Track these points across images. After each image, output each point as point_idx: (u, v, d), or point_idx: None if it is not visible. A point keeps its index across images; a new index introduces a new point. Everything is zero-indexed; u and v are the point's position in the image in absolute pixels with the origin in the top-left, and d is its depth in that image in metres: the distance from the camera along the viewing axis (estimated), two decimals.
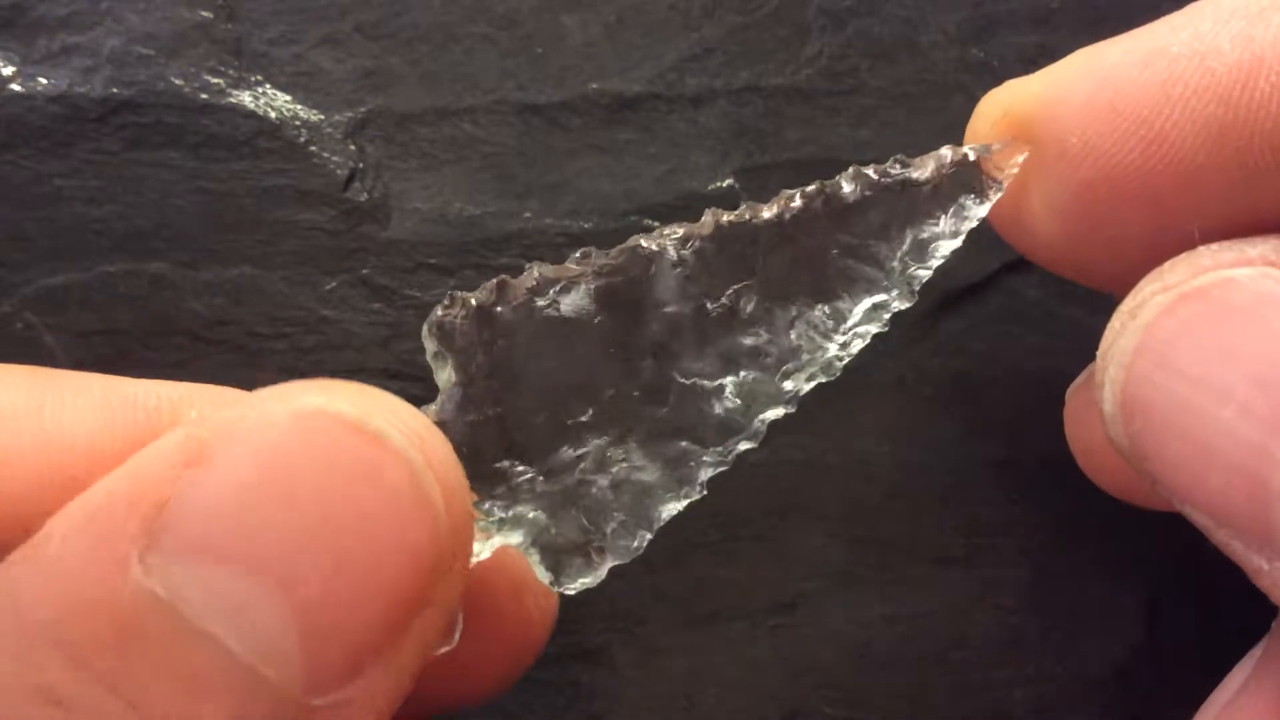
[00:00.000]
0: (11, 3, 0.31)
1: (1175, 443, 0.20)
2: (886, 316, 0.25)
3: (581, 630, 0.32)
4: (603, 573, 0.24)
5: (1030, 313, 0.33)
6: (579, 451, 0.24)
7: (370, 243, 0.32)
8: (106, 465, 0.20)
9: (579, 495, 0.24)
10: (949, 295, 0.32)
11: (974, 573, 0.33)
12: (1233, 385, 0.19)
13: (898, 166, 0.24)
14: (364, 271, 0.32)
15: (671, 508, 0.24)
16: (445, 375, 0.23)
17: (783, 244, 0.24)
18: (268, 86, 0.31)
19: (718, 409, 0.24)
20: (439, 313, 0.23)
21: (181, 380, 0.28)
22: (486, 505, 0.24)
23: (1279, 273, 0.20)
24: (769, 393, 0.24)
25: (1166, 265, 0.21)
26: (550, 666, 0.31)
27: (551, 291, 0.24)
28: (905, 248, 0.24)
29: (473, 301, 0.23)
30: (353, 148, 0.32)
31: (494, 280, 0.24)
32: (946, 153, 0.24)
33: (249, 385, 0.23)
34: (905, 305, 0.25)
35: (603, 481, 0.24)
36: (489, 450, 0.24)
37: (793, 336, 0.24)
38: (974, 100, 0.26)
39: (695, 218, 0.24)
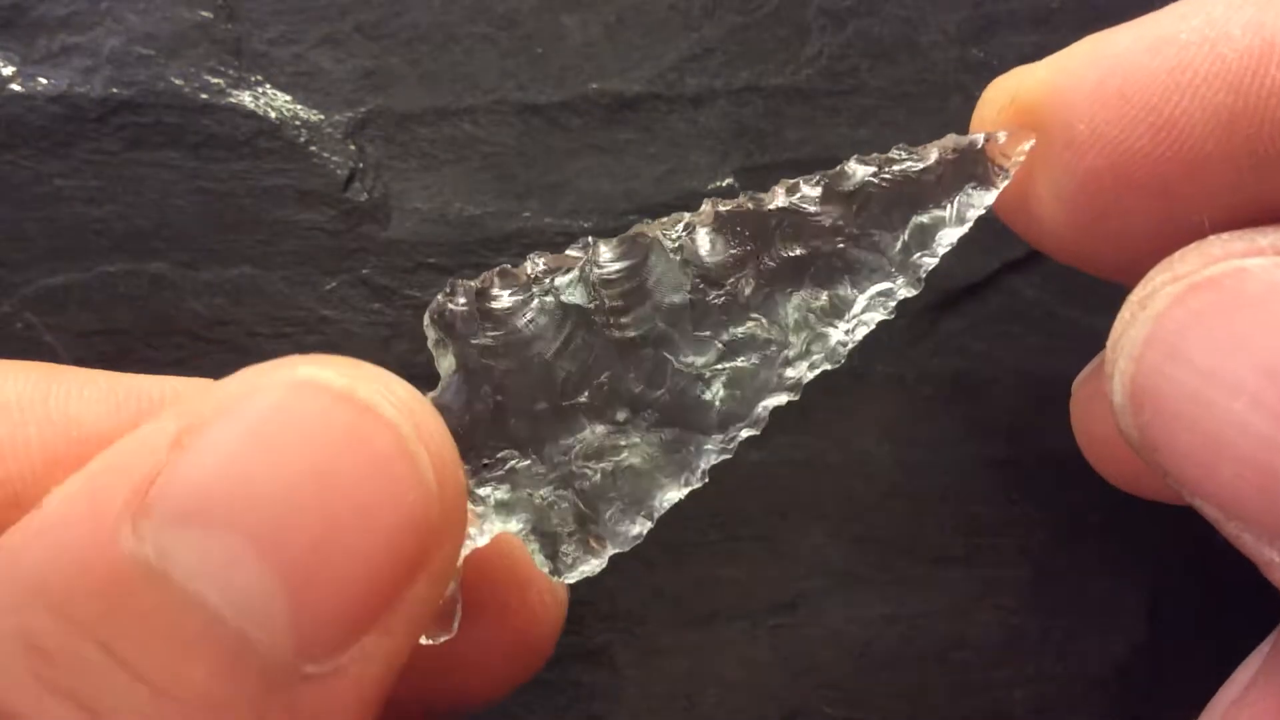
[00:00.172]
0: (11, 3, 0.31)
1: (1185, 434, 0.20)
2: (892, 304, 0.24)
3: (581, 630, 0.32)
4: (603, 561, 0.24)
5: (1030, 312, 0.33)
6: (578, 438, 0.24)
7: (370, 243, 0.32)
8: None
9: (577, 481, 0.24)
10: (949, 295, 0.32)
11: (974, 573, 0.33)
12: (1244, 377, 0.19)
13: (903, 154, 0.24)
14: (364, 271, 0.32)
15: (672, 495, 0.24)
16: (446, 363, 0.24)
17: (784, 231, 0.24)
18: (268, 86, 0.31)
19: (717, 396, 0.24)
20: (439, 301, 0.23)
21: None
22: (484, 490, 0.24)
23: None
24: (766, 379, 0.24)
25: (1177, 255, 0.21)
26: (550, 666, 0.31)
27: (551, 280, 0.24)
28: (911, 235, 0.24)
29: (473, 290, 0.23)
30: (353, 148, 0.32)
31: (494, 269, 0.24)
32: (952, 140, 0.24)
33: None
34: (912, 293, 0.24)
35: (602, 468, 0.24)
36: (488, 437, 0.24)
37: (794, 323, 0.24)
38: (974, 100, 0.26)
39: None
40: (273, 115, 0.31)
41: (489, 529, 0.24)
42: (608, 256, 0.24)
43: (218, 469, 0.19)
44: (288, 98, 0.31)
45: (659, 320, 0.24)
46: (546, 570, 0.24)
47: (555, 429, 0.24)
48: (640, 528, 0.24)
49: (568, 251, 0.24)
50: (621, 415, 0.24)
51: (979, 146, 0.24)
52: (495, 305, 0.24)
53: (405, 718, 0.26)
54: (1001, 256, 0.32)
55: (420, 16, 0.32)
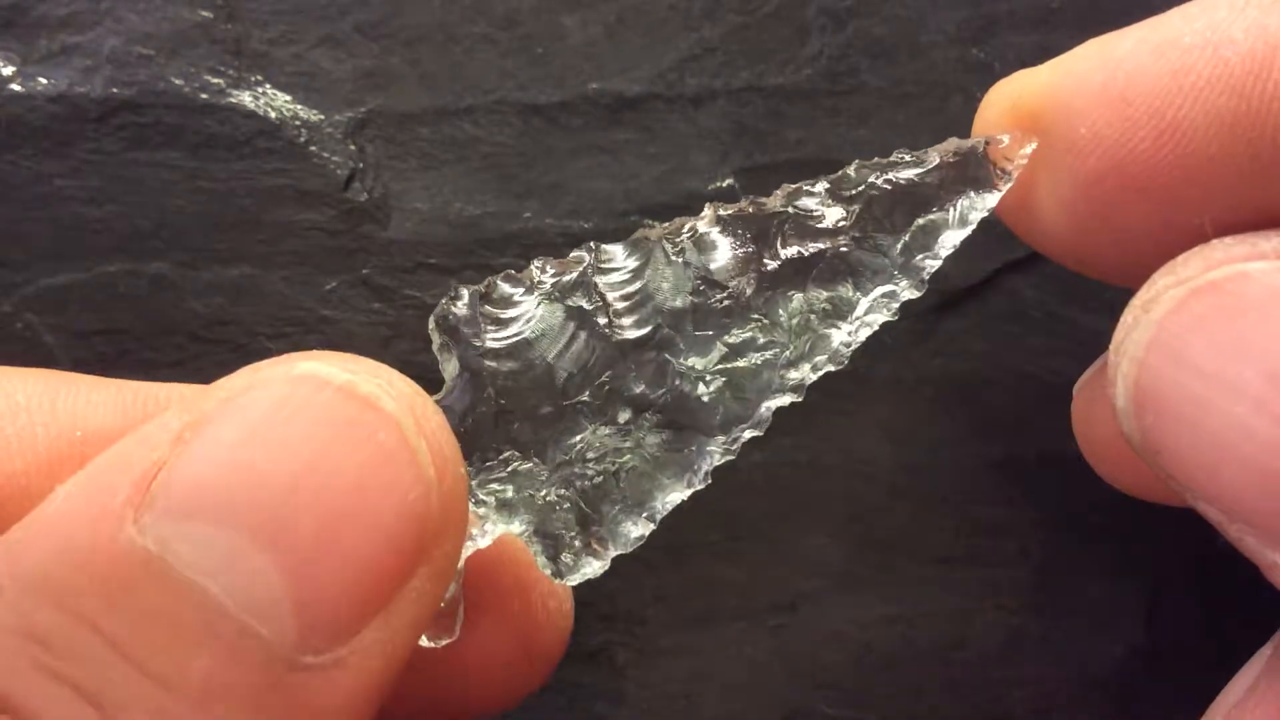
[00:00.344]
0: (11, 3, 0.31)
1: (1188, 437, 0.20)
2: (895, 306, 0.25)
3: (581, 630, 0.32)
4: (605, 563, 0.24)
5: (1030, 313, 0.33)
6: (580, 439, 0.24)
7: (370, 243, 0.32)
8: None
9: (579, 483, 0.24)
10: (949, 295, 0.32)
11: (974, 573, 0.33)
12: (1246, 380, 0.19)
13: (905, 157, 0.24)
14: (364, 271, 0.32)
15: (674, 497, 0.24)
16: (451, 367, 0.24)
17: (786, 234, 0.24)
18: (268, 86, 0.31)
19: (719, 398, 0.24)
20: (443, 305, 0.24)
21: (182, 379, 0.28)
22: (487, 492, 0.24)
23: None
24: (768, 381, 0.24)
25: (1180, 258, 0.21)
26: None
27: (553, 283, 0.24)
28: (913, 238, 0.24)
29: (477, 294, 0.24)
30: (353, 148, 0.32)
31: (499, 274, 0.24)
32: (954, 144, 0.24)
33: None
34: (915, 294, 0.25)
35: (604, 469, 0.24)
36: (492, 439, 0.24)
37: (796, 325, 0.24)
38: (974, 100, 0.26)
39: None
40: (273, 115, 0.31)
41: (491, 530, 0.24)
42: (610, 260, 0.24)
43: (219, 462, 0.19)
44: (288, 98, 0.31)
45: (661, 322, 0.24)
46: (549, 572, 0.24)
47: (558, 431, 0.24)
48: (642, 529, 0.24)
49: (571, 255, 0.24)
50: (624, 417, 0.24)
51: (981, 150, 0.24)
52: (498, 309, 0.24)
53: None
54: (1002, 257, 0.32)
55: (420, 16, 0.32)
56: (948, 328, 0.33)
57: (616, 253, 0.24)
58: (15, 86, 0.31)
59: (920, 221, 0.24)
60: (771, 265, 0.24)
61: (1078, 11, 0.33)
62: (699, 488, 0.25)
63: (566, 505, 0.24)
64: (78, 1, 0.31)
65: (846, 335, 0.24)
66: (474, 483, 0.24)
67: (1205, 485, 0.20)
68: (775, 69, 0.32)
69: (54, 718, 0.17)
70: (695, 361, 0.24)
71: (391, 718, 0.21)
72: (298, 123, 0.31)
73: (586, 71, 0.32)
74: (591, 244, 0.24)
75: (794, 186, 0.24)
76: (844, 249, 0.24)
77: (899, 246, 0.24)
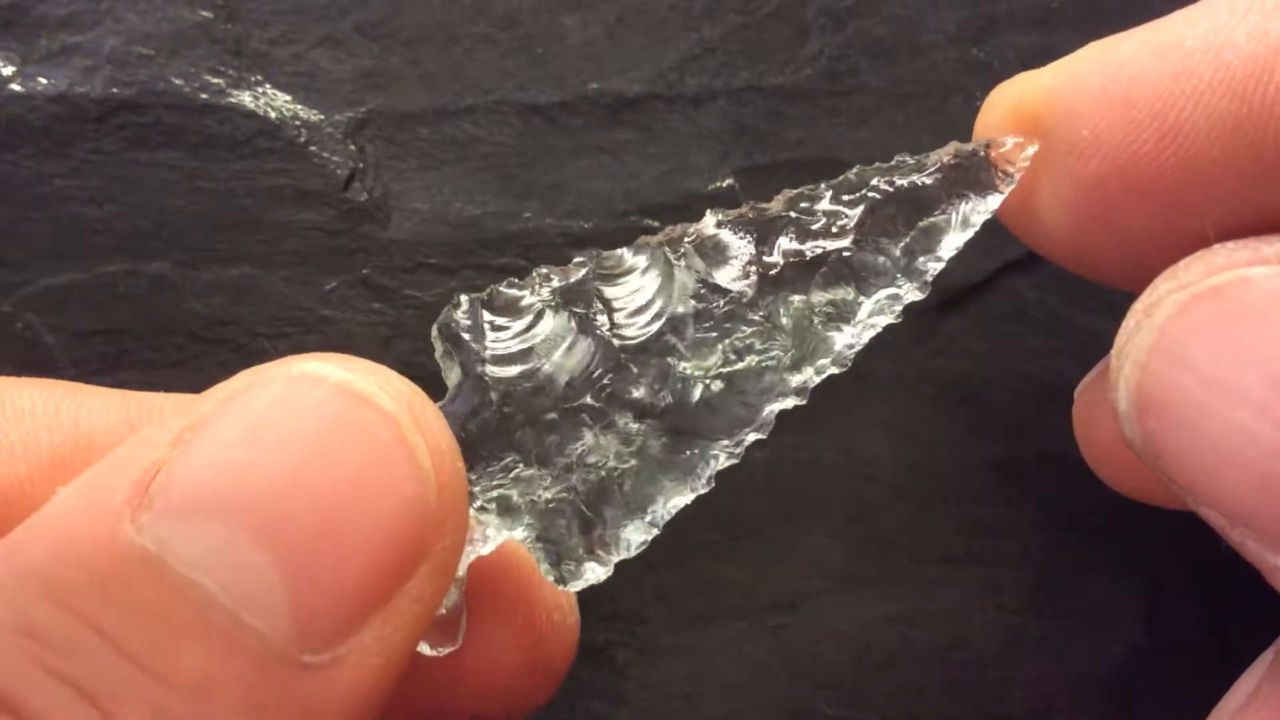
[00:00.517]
0: (11, 3, 0.31)
1: (1190, 442, 0.20)
2: (899, 308, 0.25)
3: (581, 630, 0.32)
4: (608, 569, 0.24)
5: (1031, 313, 0.33)
6: (583, 444, 0.24)
7: (370, 243, 0.32)
8: None
9: (582, 488, 0.24)
10: (949, 295, 0.32)
11: (975, 573, 0.33)
12: (1248, 385, 0.19)
13: (907, 161, 0.24)
14: (364, 271, 0.32)
15: (677, 501, 0.24)
16: (454, 374, 0.24)
17: (789, 237, 0.24)
18: (268, 86, 0.31)
19: (722, 401, 0.24)
20: (446, 313, 0.24)
21: (182, 379, 0.28)
22: (490, 497, 0.24)
23: None
24: (771, 384, 0.24)
25: (1182, 263, 0.21)
26: None
27: (555, 289, 0.24)
28: (915, 241, 0.24)
29: (478, 301, 0.24)
30: (353, 148, 0.32)
31: (501, 282, 0.24)
32: (956, 147, 0.24)
33: None
34: (919, 297, 0.25)
35: (606, 474, 0.24)
36: (494, 445, 0.24)
37: (799, 328, 0.24)
38: (974, 100, 0.26)
39: (695, 218, 0.24)
40: (273, 115, 0.31)
41: (494, 537, 0.24)
42: (612, 266, 0.24)
43: (217, 462, 0.19)
44: (288, 98, 0.31)
45: (663, 327, 0.24)
46: (551, 579, 0.24)
47: (560, 436, 0.24)
48: (645, 534, 0.24)
49: (573, 262, 0.24)
50: (626, 421, 0.24)
51: (983, 152, 0.24)
52: (500, 316, 0.24)
53: None
54: (1002, 256, 0.32)
55: (420, 16, 0.32)
56: (948, 327, 0.33)
57: (618, 259, 0.24)
58: (15, 86, 0.31)
59: (922, 224, 0.24)
60: (773, 269, 0.24)
61: (1078, 12, 0.33)
62: (702, 491, 0.25)
63: (569, 511, 0.24)
64: (78, 1, 0.31)
65: (850, 338, 0.24)
66: (476, 489, 0.24)
67: (1207, 490, 0.20)
68: (775, 69, 0.32)
69: (52, 713, 0.17)
70: (697, 365, 0.24)
71: (383, 709, 0.20)
72: (298, 123, 0.31)
73: (586, 71, 0.32)
74: (594, 251, 0.24)
75: (795, 191, 0.24)
76: (846, 252, 0.24)
77: (901, 249, 0.24)
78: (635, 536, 0.24)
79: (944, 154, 0.24)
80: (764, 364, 0.24)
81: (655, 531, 0.24)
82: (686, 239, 0.24)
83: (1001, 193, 0.24)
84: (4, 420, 0.24)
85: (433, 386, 0.24)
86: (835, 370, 0.25)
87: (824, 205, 0.24)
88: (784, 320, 0.24)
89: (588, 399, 0.24)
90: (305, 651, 0.19)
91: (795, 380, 0.24)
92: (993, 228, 0.26)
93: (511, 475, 0.24)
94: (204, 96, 0.31)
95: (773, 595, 0.32)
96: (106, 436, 0.24)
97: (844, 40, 0.32)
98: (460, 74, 0.32)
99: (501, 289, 0.24)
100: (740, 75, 0.32)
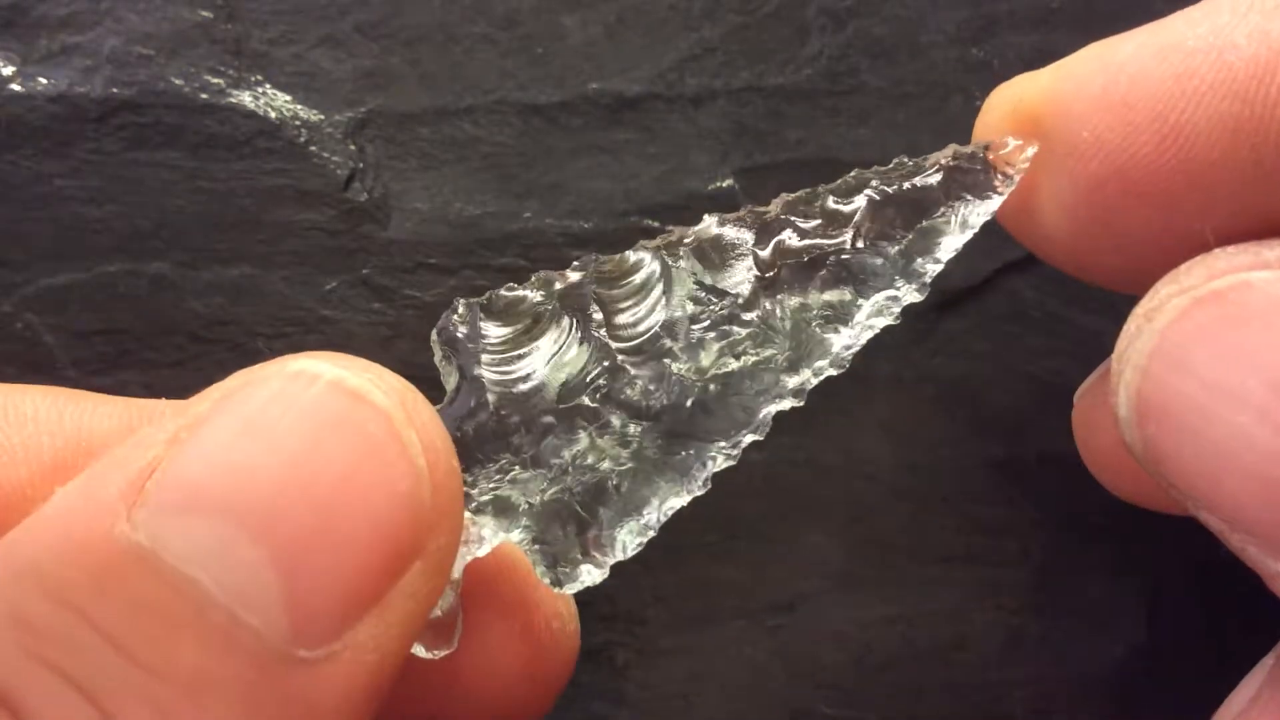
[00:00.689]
0: (11, 3, 0.31)
1: (1190, 447, 0.20)
2: (897, 309, 0.25)
3: (581, 630, 0.32)
4: (604, 570, 0.24)
5: (1030, 313, 0.33)
6: (579, 447, 0.24)
7: (370, 243, 0.32)
8: None
9: (578, 490, 0.24)
10: (949, 295, 0.32)
11: (974, 573, 0.33)
12: (1249, 390, 0.19)
13: (906, 163, 0.24)
14: (364, 271, 0.32)
15: (674, 503, 0.24)
16: (452, 378, 0.24)
17: (788, 239, 0.24)
18: (268, 86, 0.31)
19: (719, 403, 0.24)
20: (445, 318, 0.24)
21: (182, 379, 0.28)
22: (486, 499, 0.24)
23: None
24: (769, 385, 0.24)
25: (1183, 267, 0.21)
26: None
27: (552, 293, 0.24)
28: (915, 243, 0.24)
29: (477, 305, 0.24)
30: (353, 148, 0.32)
31: (501, 287, 0.24)
32: (955, 149, 0.24)
33: None
34: (918, 298, 0.25)
35: (603, 476, 0.24)
36: (491, 447, 0.24)
37: (797, 329, 0.24)
38: (974, 100, 0.26)
39: (695, 218, 0.24)
40: (273, 115, 0.31)
41: (490, 539, 0.24)
42: (610, 270, 0.24)
43: (212, 459, 0.19)
44: (288, 98, 0.31)
45: (660, 328, 0.24)
46: (548, 581, 0.24)
47: (557, 439, 0.24)
48: (641, 536, 0.24)
49: (571, 265, 0.24)
50: (622, 423, 0.24)
51: (982, 154, 0.24)
52: (497, 320, 0.24)
53: None
54: (1002, 257, 0.32)
55: (420, 16, 0.32)
56: (948, 328, 0.33)
57: (617, 262, 0.24)
58: (15, 86, 0.31)
59: (921, 226, 0.24)
60: (771, 271, 0.24)
61: (1078, 12, 0.33)
62: (699, 493, 0.25)
63: (565, 513, 0.24)
64: (78, 1, 0.31)
65: (848, 339, 0.24)
66: (473, 490, 0.24)
67: (1207, 495, 0.20)
68: (775, 69, 0.32)
69: (48, 709, 0.18)
70: (694, 367, 0.24)
71: (379, 707, 0.21)
72: (298, 123, 0.31)
73: (586, 71, 0.32)
74: (593, 254, 0.24)
75: (793, 195, 0.24)
76: (845, 254, 0.24)
77: (900, 251, 0.24)
78: (631, 538, 0.24)
79: (943, 156, 0.24)
80: (761, 366, 0.24)
81: (651, 533, 0.24)
82: (685, 242, 0.24)
83: (1001, 194, 0.24)
84: (6, 424, 0.24)
85: (432, 387, 0.24)
86: (833, 372, 0.25)
87: (822, 207, 0.24)
88: (781, 322, 0.24)
89: (584, 401, 0.24)
90: (301, 647, 0.19)
91: (792, 382, 0.24)
92: (991, 228, 0.26)
93: (508, 477, 0.24)
94: (204, 96, 0.31)
95: (772, 596, 0.32)
96: (108, 441, 0.24)
97: (844, 40, 0.32)
98: (460, 74, 0.32)
99: (499, 293, 0.24)
100: (740, 75, 0.32)
